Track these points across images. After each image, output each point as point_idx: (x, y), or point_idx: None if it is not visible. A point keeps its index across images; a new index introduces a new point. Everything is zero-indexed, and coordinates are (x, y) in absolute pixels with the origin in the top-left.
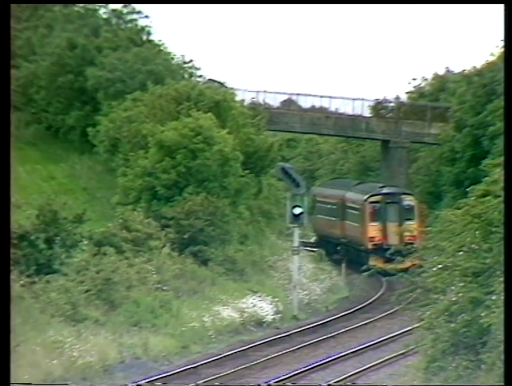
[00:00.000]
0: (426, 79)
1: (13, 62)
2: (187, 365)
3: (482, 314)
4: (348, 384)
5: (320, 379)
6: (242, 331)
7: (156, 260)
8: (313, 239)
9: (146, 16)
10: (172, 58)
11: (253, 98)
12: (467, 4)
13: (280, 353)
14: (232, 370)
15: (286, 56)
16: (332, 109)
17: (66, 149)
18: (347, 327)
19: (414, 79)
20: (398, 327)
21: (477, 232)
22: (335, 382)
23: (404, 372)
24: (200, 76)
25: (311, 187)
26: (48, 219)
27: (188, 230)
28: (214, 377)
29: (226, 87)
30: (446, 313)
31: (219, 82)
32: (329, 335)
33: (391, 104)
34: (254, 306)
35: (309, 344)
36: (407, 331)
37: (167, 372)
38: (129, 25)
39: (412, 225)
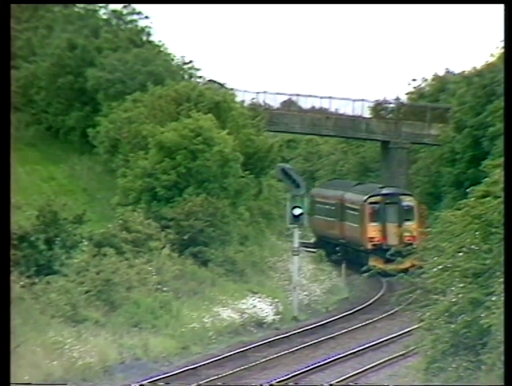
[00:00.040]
0: (425, 80)
1: (13, 63)
2: (187, 366)
3: (482, 315)
4: (350, 384)
5: (320, 380)
6: (242, 332)
7: (156, 261)
8: (312, 240)
9: (146, 17)
10: (172, 59)
11: (253, 99)
12: (467, 4)
13: (280, 354)
14: (232, 371)
15: (286, 56)
16: (332, 109)
17: (66, 150)
18: (347, 328)
19: (414, 80)
20: (398, 328)
21: (477, 233)
22: (335, 383)
23: (404, 373)
24: (200, 77)
25: (312, 188)
26: (48, 220)
27: (188, 231)
28: (214, 377)
29: (226, 88)
30: (446, 314)
31: (219, 83)
32: (329, 336)
33: (391, 105)
34: (254, 307)
35: (309, 345)
36: (407, 331)
37: (168, 373)
38: (129, 26)
39: (412, 225)
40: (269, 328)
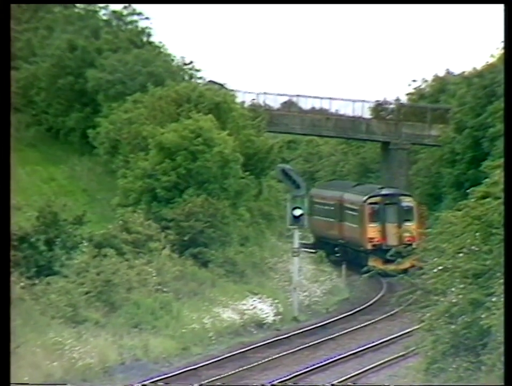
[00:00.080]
0: (426, 81)
1: (13, 64)
2: (188, 367)
3: (483, 316)
4: (350, 384)
5: (320, 380)
6: (243, 333)
7: (156, 262)
8: (311, 241)
9: (146, 18)
10: (172, 60)
11: (253, 100)
12: (467, 4)
13: (280, 355)
14: (232, 372)
15: (286, 57)
16: (333, 110)
17: (66, 150)
18: (347, 329)
19: (414, 81)
20: (398, 328)
21: (477, 234)
22: (336, 383)
23: (404, 374)
24: (200, 78)
25: (312, 189)
26: (48, 221)
27: (188, 232)
28: (214, 378)
29: (226, 89)
30: (446, 315)
31: (219, 84)
32: (329, 337)
33: (391, 106)
34: (254, 308)
35: (309, 346)
36: (408, 332)
37: (168, 373)
38: (129, 27)
39: (411, 226)
40: (269, 329)
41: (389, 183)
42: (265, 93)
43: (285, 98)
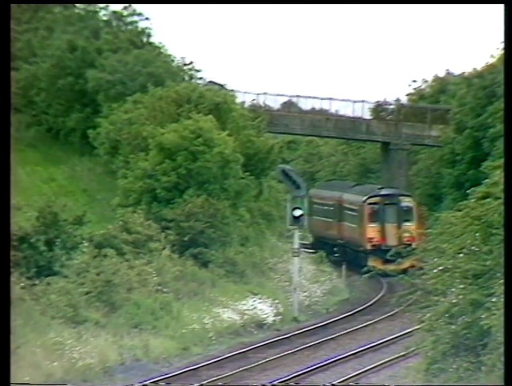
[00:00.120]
0: (426, 81)
1: (13, 64)
2: (188, 367)
3: (483, 316)
4: (350, 384)
5: (320, 380)
6: (243, 333)
7: (157, 262)
8: (310, 241)
9: (146, 18)
10: (173, 60)
11: (253, 100)
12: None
13: (280, 355)
14: (232, 372)
15: (286, 57)
16: (333, 111)
17: (67, 151)
18: (347, 329)
19: (414, 81)
20: (398, 329)
21: (477, 234)
22: (336, 383)
23: (404, 374)
24: (200, 78)
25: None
26: (48, 221)
27: (188, 232)
28: (215, 378)
29: (226, 89)
30: (446, 315)
31: (219, 84)
32: (330, 337)
33: (392, 106)
34: (255, 308)
35: (309, 346)
36: (408, 332)
37: (168, 374)
38: (129, 27)
39: (411, 226)
40: (269, 329)
41: (389, 183)
42: (265, 93)
43: (285, 99)
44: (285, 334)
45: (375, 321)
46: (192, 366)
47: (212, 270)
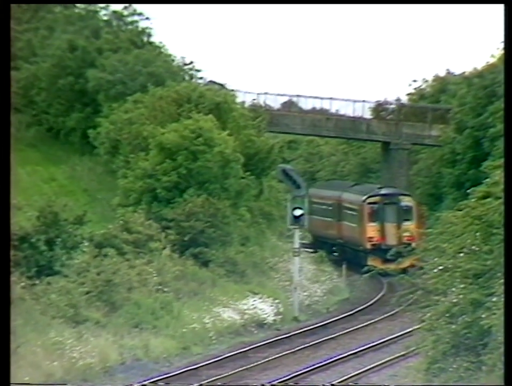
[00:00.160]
0: (426, 81)
1: (14, 64)
2: (188, 367)
3: (483, 316)
4: (351, 384)
5: (321, 380)
6: (243, 332)
7: (157, 261)
8: (309, 241)
9: (147, 18)
10: (173, 60)
11: (254, 100)
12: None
13: (280, 354)
14: (233, 372)
15: (287, 57)
16: (333, 110)
17: (67, 150)
18: (347, 328)
19: (414, 81)
20: (398, 328)
21: (478, 234)
22: (336, 383)
23: (404, 374)
24: (201, 78)
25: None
26: (49, 221)
27: (188, 232)
28: (215, 378)
29: (226, 89)
30: (447, 315)
31: (219, 84)
32: (330, 336)
33: (392, 106)
34: (255, 307)
35: (309, 345)
36: (408, 332)
37: (168, 373)
38: (129, 27)
39: (410, 226)
40: (269, 329)
41: (389, 183)
42: (265, 93)
43: (286, 99)
44: (286, 334)
45: (376, 321)
46: (192, 365)
47: (212, 270)
